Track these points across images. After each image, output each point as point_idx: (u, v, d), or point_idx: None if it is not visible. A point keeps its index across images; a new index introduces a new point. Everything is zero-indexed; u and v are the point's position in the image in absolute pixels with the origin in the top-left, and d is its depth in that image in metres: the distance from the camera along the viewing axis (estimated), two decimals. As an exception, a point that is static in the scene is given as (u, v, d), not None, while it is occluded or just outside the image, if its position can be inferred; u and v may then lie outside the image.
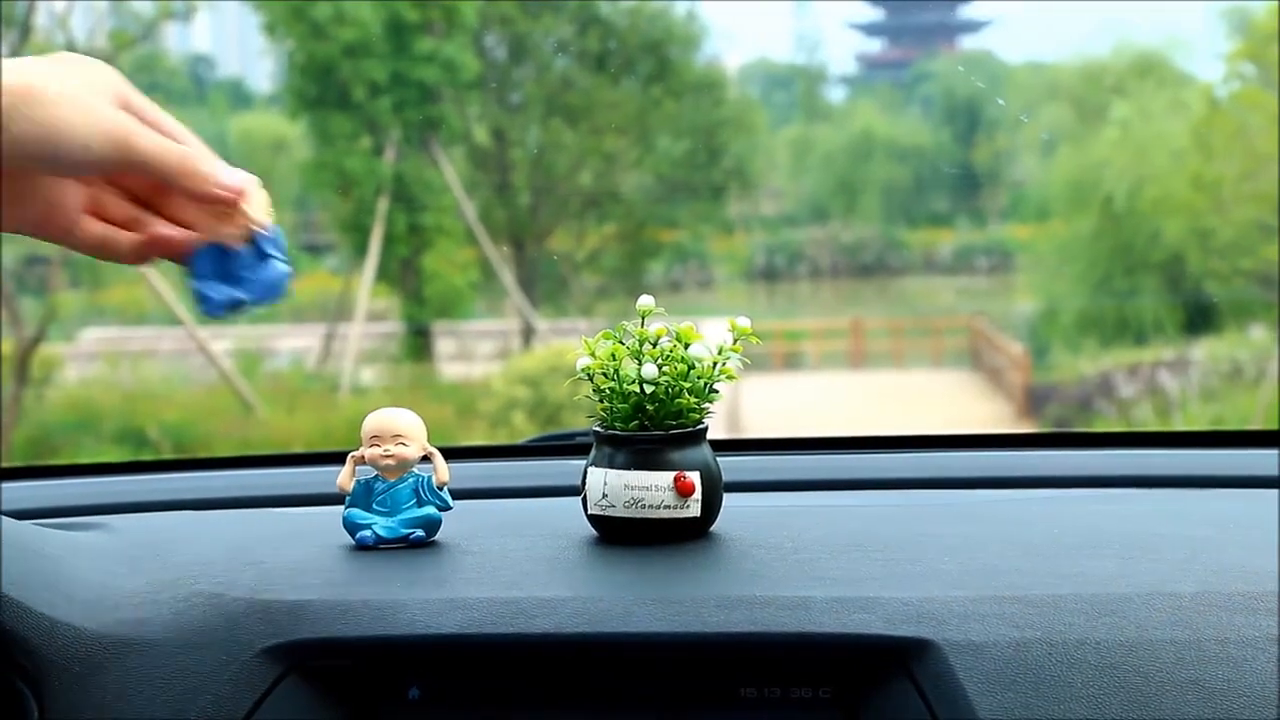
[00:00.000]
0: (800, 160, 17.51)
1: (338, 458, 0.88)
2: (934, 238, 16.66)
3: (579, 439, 1.03)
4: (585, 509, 0.87)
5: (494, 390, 8.67)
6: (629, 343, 0.87)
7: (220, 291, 0.83)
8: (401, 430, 0.86)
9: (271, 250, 0.83)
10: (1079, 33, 20.54)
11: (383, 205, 10.40)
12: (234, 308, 0.83)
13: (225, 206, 0.79)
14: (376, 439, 0.86)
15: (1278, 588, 0.76)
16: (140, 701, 0.75)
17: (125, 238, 0.81)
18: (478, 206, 10.96)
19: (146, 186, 0.80)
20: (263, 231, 0.82)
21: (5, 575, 0.78)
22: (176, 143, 0.76)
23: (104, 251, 0.81)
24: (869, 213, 16.80)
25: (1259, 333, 9.66)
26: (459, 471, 0.88)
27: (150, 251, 0.82)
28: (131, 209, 0.81)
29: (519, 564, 0.84)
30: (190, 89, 15.73)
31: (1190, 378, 9.39)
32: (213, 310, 0.83)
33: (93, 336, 11.23)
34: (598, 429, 0.87)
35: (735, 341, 0.88)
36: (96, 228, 0.81)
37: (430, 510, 0.87)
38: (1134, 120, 11.27)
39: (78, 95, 0.72)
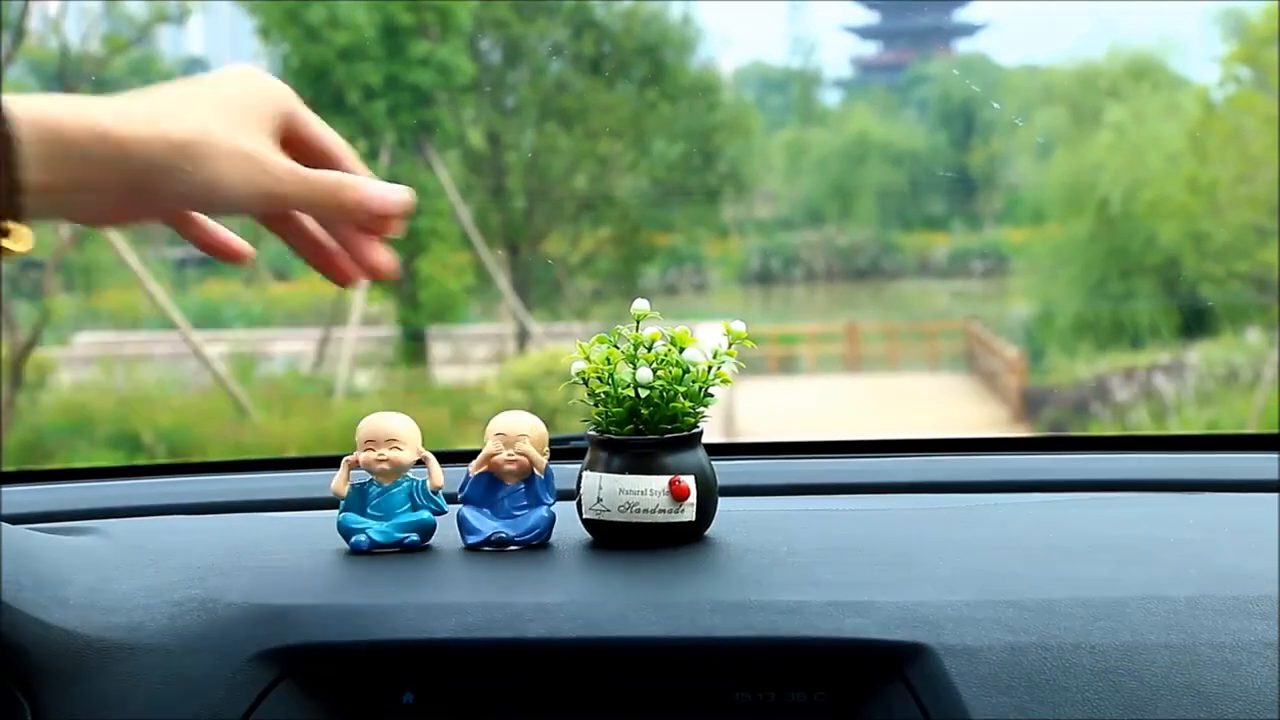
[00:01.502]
0: (795, 164, 17.52)
1: (332, 462, 0.88)
2: (929, 241, 16.66)
3: (573, 443, 1.03)
4: (580, 513, 0.87)
5: (489, 394, 8.66)
6: (624, 347, 0.87)
7: (486, 525, 0.86)
8: (396, 435, 0.85)
9: (543, 494, 0.86)
10: (1074, 36, 20.56)
11: (377, 209, 10.35)
12: (498, 544, 0.86)
13: (383, 226, 0.77)
14: (371, 443, 0.85)
15: (1274, 592, 0.76)
16: (134, 706, 0.75)
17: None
18: (472, 210, 10.95)
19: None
20: (539, 475, 0.86)
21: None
22: (326, 172, 0.75)
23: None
24: (864, 216, 16.82)
25: (1255, 336, 9.66)
26: (453, 476, 0.87)
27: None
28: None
29: (513, 568, 0.84)
30: (185, 92, 15.66)
31: (1186, 381, 9.39)
32: (474, 542, 0.86)
33: (87, 340, 11.19)
34: (592, 433, 0.87)
35: (730, 345, 0.88)
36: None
37: (425, 514, 0.87)
38: (1129, 123, 11.27)
39: (236, 149, 0.71)
